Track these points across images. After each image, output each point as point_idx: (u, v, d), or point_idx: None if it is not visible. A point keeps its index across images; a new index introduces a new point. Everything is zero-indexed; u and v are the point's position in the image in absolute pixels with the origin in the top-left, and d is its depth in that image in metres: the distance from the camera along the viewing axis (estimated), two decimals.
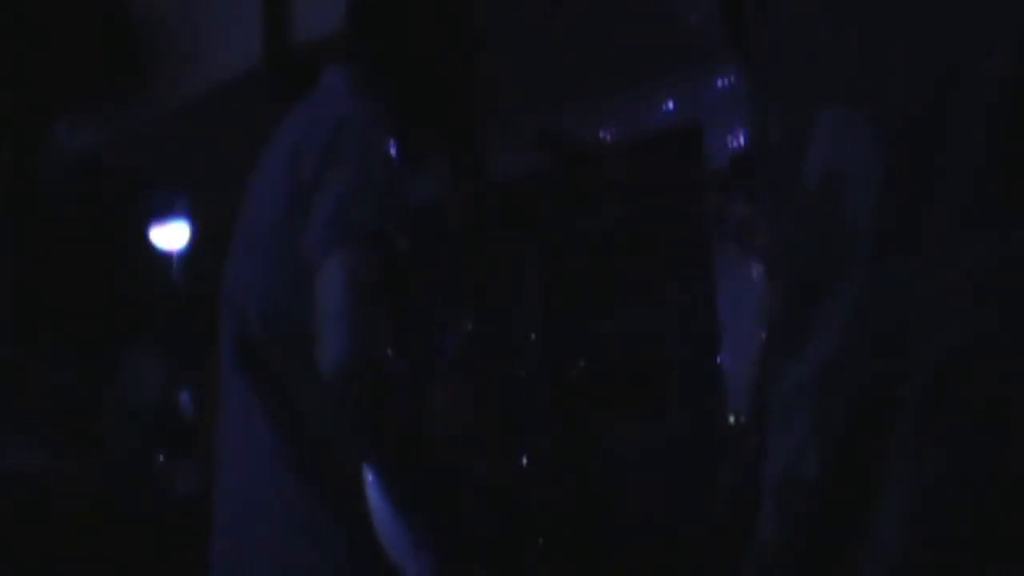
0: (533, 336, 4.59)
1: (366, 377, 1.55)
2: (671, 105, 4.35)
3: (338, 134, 1.70)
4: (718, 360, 4.04)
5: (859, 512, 0.72)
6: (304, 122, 1.79)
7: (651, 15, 3.83)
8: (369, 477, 1.57)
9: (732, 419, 3.56)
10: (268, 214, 1.75)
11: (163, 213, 5.36)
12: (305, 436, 1.64)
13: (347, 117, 1.73)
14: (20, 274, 4.87)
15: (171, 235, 5.39)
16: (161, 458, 4.83)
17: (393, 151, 1.70)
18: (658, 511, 4.02)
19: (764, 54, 0.89)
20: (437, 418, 1.72)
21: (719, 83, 3.87)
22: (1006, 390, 0.69)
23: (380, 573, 1.57)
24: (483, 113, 1.98)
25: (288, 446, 1.66)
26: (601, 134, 4.33)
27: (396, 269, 1.64)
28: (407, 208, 1.72)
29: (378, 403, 1.56)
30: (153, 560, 4.03)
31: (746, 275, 3.67)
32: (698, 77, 4.10)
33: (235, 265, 1.84)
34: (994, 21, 0.73)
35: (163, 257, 5.40)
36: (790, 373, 0.79)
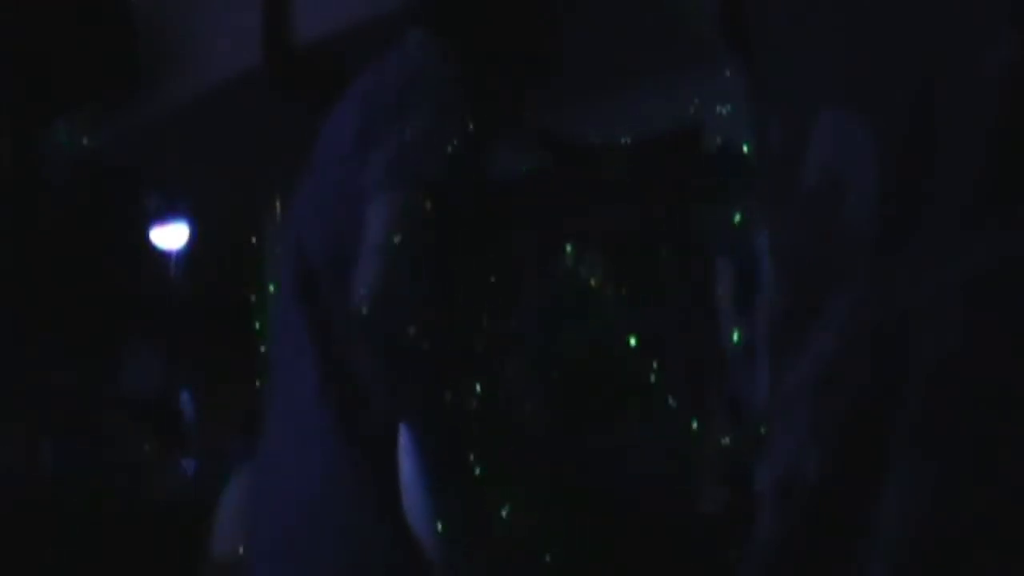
0: (531, 335, 4.58)
1: (396, 315, 1.55)
2: (671, 105, 4.35)
3: (410, 85, 1.72)
4: (718, 360, 4.03)
5: (859, 512, 0.72)
6: (375, 75, 1.80)
7: (651, 15, 3.82)
8: (403, 437, 1.56)
9: (732, 419, 3.55)
10: (336, 151, 1.76)
11: (163, 213, 5.36)
12: (347, 377, 1.64)
13: (420, 71, 1.75)
14: (20, 274, 4.87)
15: (171, 235, 5.39)
16: (160, 457, 4.83)
17: (464, 109, 1.72)
18: (657, 511, 4.01)
19: (764, 54, 0.89)
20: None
21: (719, 83, 3.87)
22: (1006, 390, 0.69)
23: (400, 539, 1.57)
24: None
25: (330, 384, 1.67)
26: (601, 134, 4.33)
27: (446, 223, 1.64)
28: (474, 166, 1.72)
29: (407, 346, 1.56)
30: (152, 560, 4.03)
31: (746, 275, 3.67)
32: (698, 77, 4.10)
33: (300, 199, 1.86)
34: (992, 21, 0.73)
35: (163, 257, 5.40)
36: (790, 373, 0.79)
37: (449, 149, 1.66)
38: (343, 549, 1.63)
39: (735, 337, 3.84)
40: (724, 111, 3.98)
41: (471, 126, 1.72)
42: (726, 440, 3.59)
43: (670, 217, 4.57)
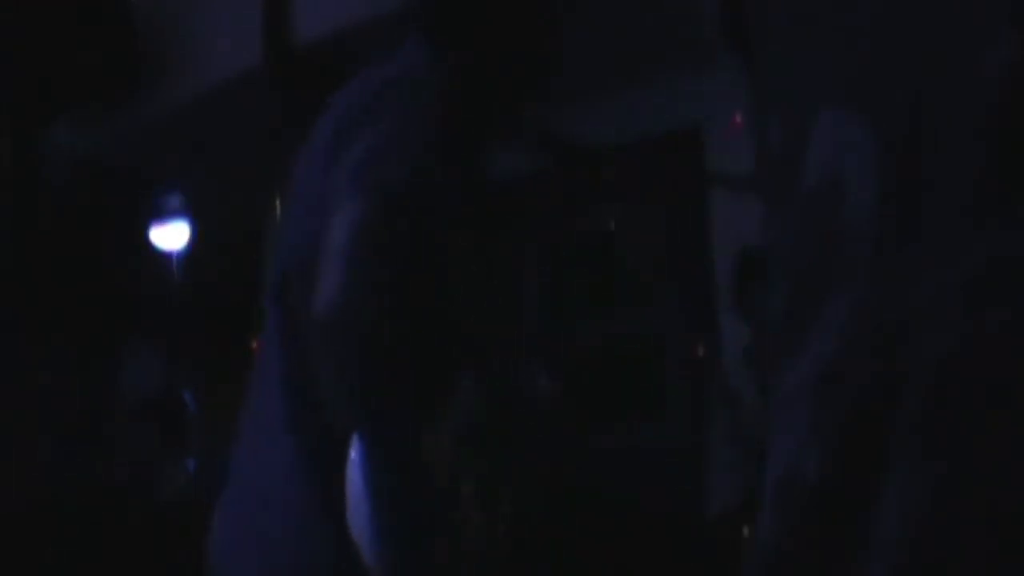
0: (532, 336, 4.59)
1: (351, 325, 1.50)
2: (671, 105, 4.35)
3: (384, 90, 1.70)
4: (718, 360, 4.04)
5: (859, 512, 0.72)
6: (361, 79, 1.79)
7: (651, 15, 3.82)
8: (353, 451, 1.53)
9: (734, 419, 3.56)
10: (314, 155, 1.75)
11: (163, 213, 5.37)
12: (310, 383, 1.63)
13: (400, 76, 1.73)
14: (20, 274, 4.87)
15: (171, 235, 5.39)
16: (160, 457, 4.83)
17: (445, 114, 1.69)
18: (658, 511, 4.02)
19: (764, 54, 0.89)
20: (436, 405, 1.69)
21: (719, 83, 3.87)
22: (1006, 390, 0.69)
23: (343, 550, 1.55)
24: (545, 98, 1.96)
25: (294, 388, 1.66)
26: (601, 134, 4.33)
27: (415, 231, 1.60)
28: (453, 171, 1.69)
29: (362, 356, 1.51)
30: (153, 560, 4.03)
31: (748, 275, 3.68)
32: (698, 77, 4.10)
33: (286, 206, 1.85)
34: (992, 21, 0.73)
35: (163, 257, 5.40)
36: (790, 373, 0.79)
37: (418, 156, 1.62)
38: (290, 554, 1.63)
39: (738, 336, 3.84)
40: (724, 111, 3.99)
41: (455, 131, 1.70)
42: (729, 440, 3.59)
43: (670, 217, 4.57)
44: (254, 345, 1.83)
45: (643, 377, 4.43)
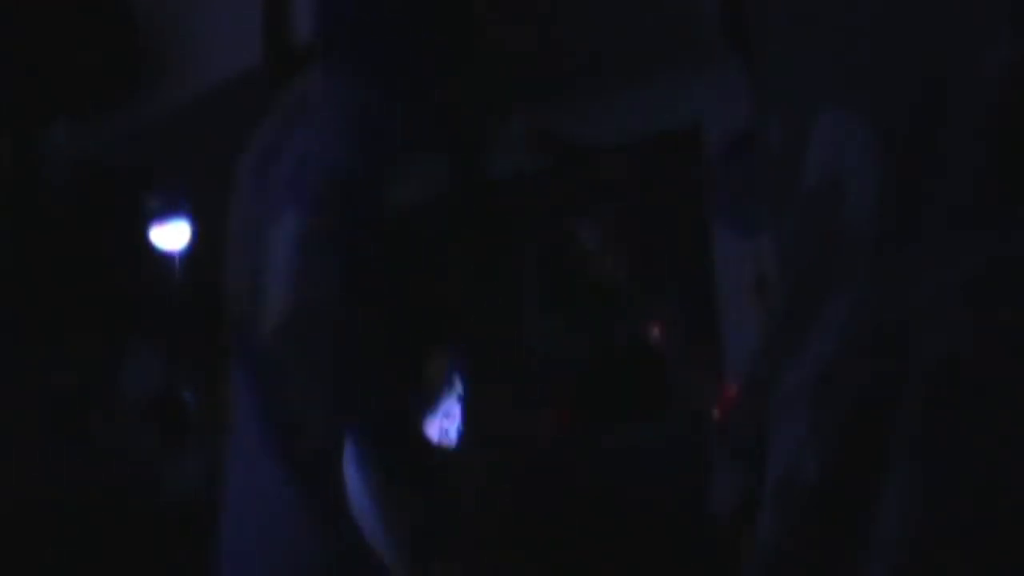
0: (531, 336, 4.58)
1: (310, 330, 1.48)
2: (671, 105, 4.35)
3: (308, 94, 1.66)
4: (718, 360, 4.04)
5: (859, 512, 0.72)
6: (295, 85, 1.75)
7: (651, 15, 3.82)
8: (348, 450, 1.51)
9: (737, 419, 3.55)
10: (246, 178, 1.72)
11: (163, 213, 5.36)
12: (280, 393, 1.59)
13: (320, 79, 1.68)
14: (20, 274, 4.87)
15: (171, 235, 5.39)
16: (162, 457, 4.83)
17: (372, 114, 1.63)
18: (658, 511, 4.01)
19: (764, 54, 0.89)
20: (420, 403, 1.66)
21: (719, 83, 3.87)
22: (1005, 390, 0.69)
23: (345, 551, 1.53)
24: (481, 105, 1.91)
25: (266, 401, 1.63)
26: (601, 134, 4.33)
27: (357, 236, 1.54)
28: (379, 171, 1.60)
29: (325, 361, 1.50)
30: (153, 560, 4.03)
31: (747, 274, 3.68)
32: (698, 77, 4.10)
33: (228, 231, 1.81)
34: (992, 21, 0.73)
35: (163, 257, 5.40)
36: (790, 373, 0.79)
37: (350, 156, 1.56)
38: (291, 554, 1.61)
39: (740, 335, 3.84)
40: (724, 111, 3.99)
41: (378, 130, 1.64)
42: (732, 440, 3.59)
43: (670, 217, 4.57)
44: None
45: (643, 377, 4.43)
